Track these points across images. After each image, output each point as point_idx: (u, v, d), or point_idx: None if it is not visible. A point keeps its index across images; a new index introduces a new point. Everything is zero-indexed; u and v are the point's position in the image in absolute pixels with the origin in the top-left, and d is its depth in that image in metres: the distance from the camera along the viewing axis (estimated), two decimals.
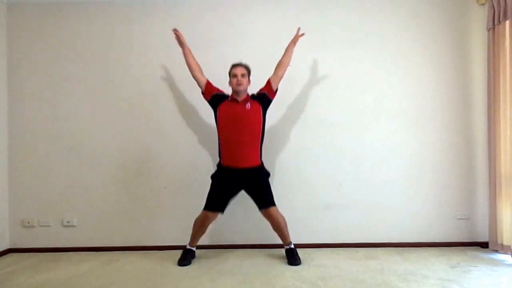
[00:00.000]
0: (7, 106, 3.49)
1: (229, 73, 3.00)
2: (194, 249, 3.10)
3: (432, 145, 3.45)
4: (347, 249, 3.35)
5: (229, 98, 3.02)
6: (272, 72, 3.04)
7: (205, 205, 2.99)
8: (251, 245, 3.42)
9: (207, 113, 3.44)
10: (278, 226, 3.00)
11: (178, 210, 3.46)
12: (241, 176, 2.95)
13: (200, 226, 3.03)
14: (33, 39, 3.52)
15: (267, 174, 3.05)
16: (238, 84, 2.93)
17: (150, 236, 3.46)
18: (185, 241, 3.21)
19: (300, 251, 3.13)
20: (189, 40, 3.46)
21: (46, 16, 3.52)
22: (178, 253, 3.20)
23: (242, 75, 2.94)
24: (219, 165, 3.05)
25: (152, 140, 3.48)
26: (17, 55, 3.51)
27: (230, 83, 2.99)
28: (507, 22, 3.07)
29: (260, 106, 3.00)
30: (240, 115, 2.93)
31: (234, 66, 2.99)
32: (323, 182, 3.45)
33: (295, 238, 3.31)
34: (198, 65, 3.07)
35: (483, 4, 3.40)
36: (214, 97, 3.03)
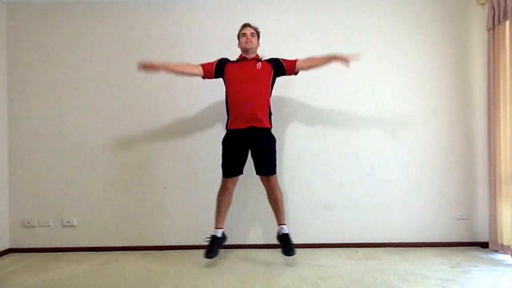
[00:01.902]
0: (7, 106, 3.49)
1: (238, 35, 2.96)
2: (220, 233, 2.94)
3: (432, 145, 3.45)
4: (347, 249, 3.34)
5: (237, 59, 2.96)
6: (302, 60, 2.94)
7: (222, 172, 2.92)
8: (251, 245, 3.42)
9: (207, 112, 3.45)
10: (276, 198, 2.93)
11: (178, 210, 3.46)
12: (249, 135, 2.85)
13: (222, 196, 2.93)
14: (33, 39, 3.52)
15: (274, 140, 2.97)
16: (248, 42, 2.87)
17: (150, 236, 3.46)
18: (185, 241, 3.23)
19: (300, 251, 3.13)
20: (188, 40, 3.48)
21: (46, 16, 3.52)
22: (178, 253, 3.21)
23: (252, 34, 2.90)
24: (227, 129, 2.95)
25: (152, 140, 3.48)
26: (17, 55, 3.51)
27: (239, 43, 2.95)
28: (507, 22, 3.07)
29: (272, 70, 2.93)
30: (249, 73, 2.86)
31: (243, 26, 2.95)
32: (323, 182, 3.45)
33: (295, 238, 3.30)
34: (185, 65, 2.94)
35: (483, 4, 3.40)
36: (217, 67, 2.93)
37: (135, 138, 3.49)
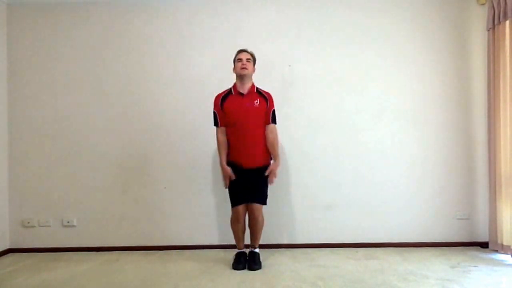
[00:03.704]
0: (7, 106, 3.50)
1: (234, 60, 2.94)
2: (244, 251, 3.02)
3: (432, 145, 3.45)
4: (347, 249, 3.34)
5: (233, 92, 2.91)
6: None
7: (232, 203, 2.94)
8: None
9: (207, 113, 3.44)
10: (255, 226, 2.95)
11: (178, 210, 3.46)
12: (247, 173, 2.87)
13: (235, 224, 2.97)
14: (33, 39, 3.52)
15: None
16: (243, 68, 2.85)
17: (150, 236, 3.46)
18: (185, 241, 3.22)
19: (300, 251, 3.14)
20: (188, 40, 3.48)
21: (46, 16, 3.52)
22: (178, 253, 3.21)
23: (247, 60, 2.88)
24: (228, 161, 2.94)
25: (152, 141, 3.48)
26: (17, 55, 3.51)
27: (235, 68, 2.92)
28: (507, 22, 3.07)
29: (266, 105, 2.92)
30: (247, 110, 2.85)
31: (239, 51, 2.93)
32: (323, 182, 3.45)
33: (295, 238, 3.32)
34: (223, 143, 2.93)
35: (483, 4, 3.40)
36: (221, 103, 2.91)
37: (135, 138, 3.49)
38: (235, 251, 3.27)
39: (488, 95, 3.29)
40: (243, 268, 2.90)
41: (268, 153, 2.95)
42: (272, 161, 2.96)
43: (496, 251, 3.19)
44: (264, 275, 2.73)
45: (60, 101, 3.50)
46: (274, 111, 2.96)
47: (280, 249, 3.26)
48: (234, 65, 2.92)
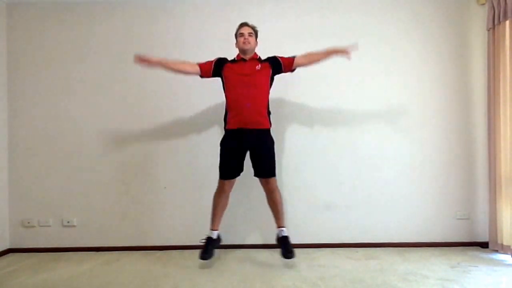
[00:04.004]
0: (7, 106, 3.49)
1: (236, 34, 2.93)
2: (216, 235, 2.92)
3: (432, 145, 3.45)
4: (347, 249, 3.34)
5: (236, 59, 2.92)
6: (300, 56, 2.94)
7: (219, 174, 2.89)
8: (251, 245, 3.42)
9: (207, 112, 3.45)
10: (275, 201, 2.90)
11: (178, 210, 3.46)
12: (248, 137, 2.82)
13: (218, 198, 2.91)
14: (33, 39, 3.52)
15: (273, 142, 2.95)
16: (245, 42, 2.84)
17: (150, 236, 3.46)
18: (185, 241, 3.22)
19: (300, 251, 3.12)
20: (190, 39, 3.48)
21: (46, 16, 3.52)
22: (178, 253, 3.20)
23: (249, 34, 2.86)
24: (226, 130, 2.93)
25: (152, 140, 3.48)
26: (17, 55, 3.51)
27: (237, 43, 2.91)
28: (507, 22, 3.07)
29: (270, 70, 2.91)
30: (249, 74, 2.83)
31: (240, 25, 2.92)
32: (323, 182, 3.45)
33: (295, 238, 3.30)
34: (182, 63, 2.92)
35: (483, 4, 3.40)
36: (215, 66, 2.91)
37: (135, 138, 3.49)
38: (235, 251, 3.28)
39: (488, 95, 3.29)
40: (210, 258, 2.83)
41: (268, 117, 2.92)
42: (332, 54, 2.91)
43: (496, 251, 3.19)
44: (264, 275, 2.73)
45: (60, 101, 3.50)
46: (286, 57, 2.94)
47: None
48: (236, 40, 2.93)
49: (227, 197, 2.95)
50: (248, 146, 2.88)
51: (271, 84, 2.96)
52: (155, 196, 3.47)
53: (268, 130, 2.93)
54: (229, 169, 2.89)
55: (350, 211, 3.43)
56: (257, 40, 2.97)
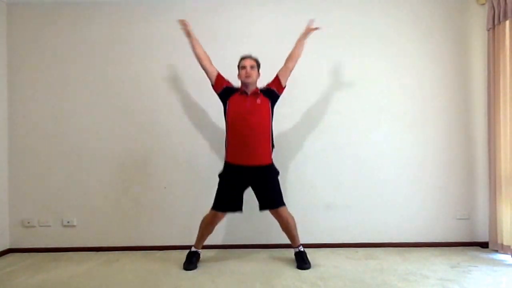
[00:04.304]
0: (7, 106, 3.49)
1: (238, 66, 2.93)
2: (199, 251, 3.01)
3: (432, 145, 3.45)
4: (347, 249, 3.34)
5: (239, 91, 2.92)
6: (279, 68, 2.98)
7: (214, 204, 2.90)
8: (251, 245, 3.42)
9: (207, 112, 3.45)
10: (287, 227, 2.92)
11: (178, 210, 3.46)
12: (249, 174, 2.85)
13: (207, 225, 2.94)
14: (33, 39, 3.52)
15: (277, 173, 2.96)
16: (247, 76, 2.85)
17: (150, 236, 3.46)
18: (185, 241, 3.21)
19: None
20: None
21: (46, 16, 3.52)
22: (178, 253, 3.20)
23: (251, 67, 2.87)
24: (226, 163, 2.95)
25: (152, 140, 3.48)
26: (17, 55, 3.51)
27: (239, 75, 2.92)
28: (507, 22, 3.07)
29: (269, 101, 2.93)
30: (250, 109, 2.84)
31: (243, 58, 2.93)
32: (323, 182, 3.45)
33: None
34: (207, 55, 2.96)
35: (483, 4, 3.40)
36: (225, 90, 2.93)
37: (135, 138, 3.49)
38: (236, 251, 3.28)
39: (488, 95, 3.29)
40: (195, 268, 2.90)
41: (270, 152, 2.94)
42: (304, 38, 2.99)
43: (496, 251, 3.19)
44: (264, 275, 2.73)
45: (60, 101, 3.50)
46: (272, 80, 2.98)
47: (280, 249, 3.26)
48: (239, 72, 2.93)
49: (216, 225, 2.98)
50: (249, 182, 2.89)
51: (272, 116, 2.96)
52: (155, 196, 3.47)
53: (271, 165, 2.94)
54: (227, 203, 2.90)
55: (350, 211, 3.43)
56: (260, 71, 2.96)
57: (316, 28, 2.99)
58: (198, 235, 3.00)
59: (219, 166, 3.00)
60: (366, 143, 3.45)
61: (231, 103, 2.91)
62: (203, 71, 2.99)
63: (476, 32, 3.44)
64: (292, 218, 2.94)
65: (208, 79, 3.00)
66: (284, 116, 3.41)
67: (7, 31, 3.51)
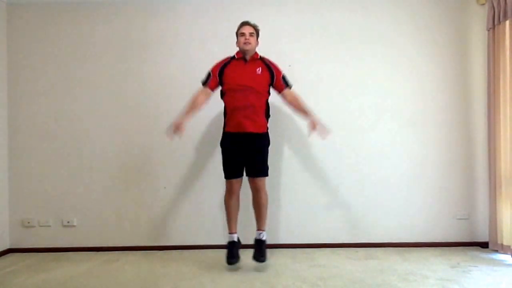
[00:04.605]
0: (7, 106, 3.49)
1: (236, 33, 2.87)
2: (236, 237, 2.90)
3: (432, 145, 3.45)
4: (347, 249, 3.34)
5: (236, 57, 2.87)
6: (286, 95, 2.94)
7: (225, 175, 2.88)
8: (251, 245, 3.41)
9: (207, 113, 3.45)
10: (259, 202, 2.87)
11: (178, 210, 3.46)
12: (246, 141, 2.81)
13: (229, 200, 2.88)
14: (33, 39, 3.52)
15: (268, 143, 2.92)
16: (246, 43, 2.79)
17: (150, 236, 3.46)
18: (185, 241, 3.22)
19: (300, 251, 3.13)
20: (189, 39, 3.48)
21: (46, 16, 3.52)
22: (178, 253, 3.20)
23: (250, 34, 2.81)
24: (224, 132, 2.92)
25: (152, 140, 3.48)
26: (17, 55, 3.51)
27: (238, 42, 2.85)
28: (507, 22, 3.07)
29: (269, 77, 2.88)
30: (248, 78, 2.80)
31: (242, 24, 2.86)
32: (323, 182, 3.45)
33: (295, 238, 3.31)
34: (195, 99, 2.90)
35: (483, 4, 3.40)
36: (219, 75, 2.87)
37: (135, 138, 3.49)
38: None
39: (488, 95, 3.29)
40: (238, 261, 2.81)
41: (266, 122, 2.91)
42: (307, 117, 2.90)
43: (496, 251, 3.19)
44: (264, 275, 2.73)
45: (60, 101, 3.50)
46: (283, 76, 2.93)
47: (280, 249, 3.26)
48: (237, 39, 2.88)
49: (238, 197, 2.92)
50: (244, 149, 2.86)
51: (269, 90, 2.93)
52: (155, 196, 3.47)
53: (265, 134, 2.92)
54: (232, 167, 2.87)
55: (350, 211, 3.43)
56: (258, 39, 2.94)
57: (323, 135, 2.91)
58: (227, 218, 2.93)
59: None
60: (366, 143, 3.45)
61: (227, 74, 2.85)
62: (205, 73, 2.95)
63: (476, 32, 3.44)
64: (267, 195, 2.89)
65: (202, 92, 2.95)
66: (284, 116, 3.41)
67: (7, 31, 3.51)
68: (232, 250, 2.83)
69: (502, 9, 3.09)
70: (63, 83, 3.50)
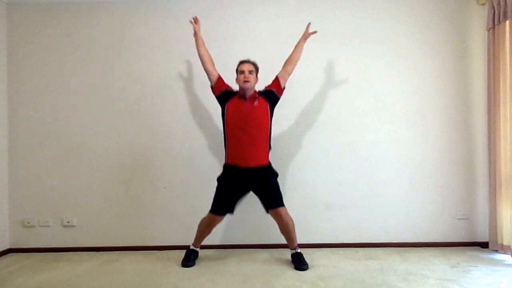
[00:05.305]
0: (7, 106, 3.49)
1: (236, 70, 2.94)
2: (197, 249, 3.08)
3: (432, 145, 3.45)
4: (347, 249, 3.35)
5: (237, 95, 2.94)
6: (280, 69, 3.00)
7: (212, 208, 2.94)
8: (251, 245, 3.42)
9: (207, 112, 3.45)
10: (286, 229, 2.92)
11: (178, 210, 3.46)
12: (248, 176, 2.86)
13: (205, 227, 3.00)
14: (33, 39, 3.52)
15: (275, 175, 2.98)
16: (245, 81, 2.85)
17: (150, 236, 3.46)
18: (185, 241, 3.21)
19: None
20: (190, 38, 3.46)
21: (46, 16, 3.52)
22: (178, 253, 3.20)
23: (250, 72, 2.87)
24: (225, 165, 2.98)
25: (152, 140, 3.48)
26: (17, 55, 3.51)
27: (237, 80, 2.92)
28: (507, 22, 3.07)
29: (268, 103, 2.93)
30: (247, 112, 2.85)
31: (241, 62, 2.93)
32: (323, 182, 3.45)
33: None
34: (211, 58, 2.99)
35: (483, 4, 3.40)
36: (224, 93, 2.95)
37: (135, 138, 3.49)
38: (236, 251, 3.28)
39: (488, 95, 3.29)
40: (193, 265, 2.97)
41: (268, 153, 2.95)
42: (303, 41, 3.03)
43: (496, 251, 3.19)
44: (264, 275, 2.73)
45: (60, 101, 3.50)
46: (272, 83, 3.00)
47: (280, 249, 3.26)
48: (237, 76, 2.93)
49: (213, 228, 3.03)
50: (249, 184, 2.91)
51: (271, 117, 2.97)
52: (155, 196, 3.47)
53: (268, 166, 2.95)
54: (225, 206, 2.93)
55: (350, 211, 3.43)
56: (257, 75, 2.97)
57: (314, 32, 3.03)
58: (196, 235, 3.06)
59: (219, 167, 3.00)
60: (366, 143, 3.45)
61: (229, 107, 2.92)
62: (204, 72, 3.00)
63: (476, 32, 3.44)
64: (291, 219, 2.95)
65: (208, 80, 3.00)
66: (283, 116, 3.41)
67: (7, 31, 3.51)
68: (190, 257, 3.03)
69: (502, 9, 3.09)
70: (63, 83, 3.50)
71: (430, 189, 3.44)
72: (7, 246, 3.45)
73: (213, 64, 2.99)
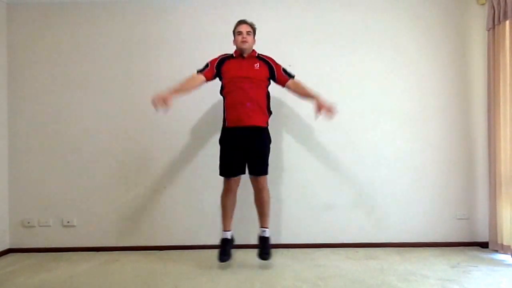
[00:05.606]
0: (7, 106, 3.49)
1: (234, 31, 2.92)
2: (229, 235, 2.91)
3: (432, 145, 3.45)
4: (347, 249, 3.34)
5: (234, 55, 2.90)
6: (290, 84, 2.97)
7: (220, 171, 2.87)
8: (251, 245, 3.41)
9: (207, 113, 3.45)
10: (261, 199, 2.88)
11: (178, 210, 3.46)
12: (246, 135, 2.81)
13: (226, 199, 2.88)
14: (33, 39, 3.52)
15: (269, 140, 2.94)
16: (243, 41, 2.83)
17: (150, 236, 3.46)
18: (185, 241, 3.22)
19: (300, 251, 3.12)
20: (190, 38, 3.48)
21: (46, 16, 3.52)
22: (178, 253, 3.20)
23: (247, 32, 2.85)
24: (223, 128, 2.92)
25: (152, 140, 3.48)
26: (17, 55, 3.51)
27: (235, 41, 2.89)
28: (507, 22, 3.07)
29: (268, 73, 2.91)
30: (247, 71, 2.83)
31: (239, 22, 2.90)
32: (323, 182, 3.45)
33: (295, 238, 3.31)
34: (189, 80, 2.88)
35: (483, 4, 3.40)
36: (218, 67, 2.90)
37: (135, 138, 3.49)
38: (235, 251, 3.26)
39: (488, 95, 3.29)
40: (229, 259, 2.83)
41: (267, 116, 2.93)
42: (314, 100, 2.87)
43: (496, 251, 3.19)
44: (264, 275, 2.73)
45: (60, 101, 3.50)
46: (284, 69, 2.97)
47: (280, 249, 3.26)
48: (234, 37, 2.92)
49: (235, 195, 2.92)
50: (245, 144, 2.84)
51: (268, 85, 2.95)
52: (155, 196, 3.47)
53: (265, 128, 2.92)
54: (233, 167, 2.86)
55: (350, 211, 3.43)
56: (255, 37, 2.95)
57: (331, 112, 2.82)
58: (222, 215, 2.93)
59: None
60: (366, 143, 3.45)
61: (226, 69, 2.89)
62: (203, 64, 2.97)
63: (476, 32, 3.44)
64: (269, 193, 2.90)
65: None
66: (283, 116, 3.41)
67: (7, 31, 3.51)
68: (225, 248, 2.85)
69: (502, 9, 3.09)
70: (63, 83, 3.50)
71: (430, 189, 3.44)
72: (7, 246, 3.45)
73: (191, 79, 2.88)
